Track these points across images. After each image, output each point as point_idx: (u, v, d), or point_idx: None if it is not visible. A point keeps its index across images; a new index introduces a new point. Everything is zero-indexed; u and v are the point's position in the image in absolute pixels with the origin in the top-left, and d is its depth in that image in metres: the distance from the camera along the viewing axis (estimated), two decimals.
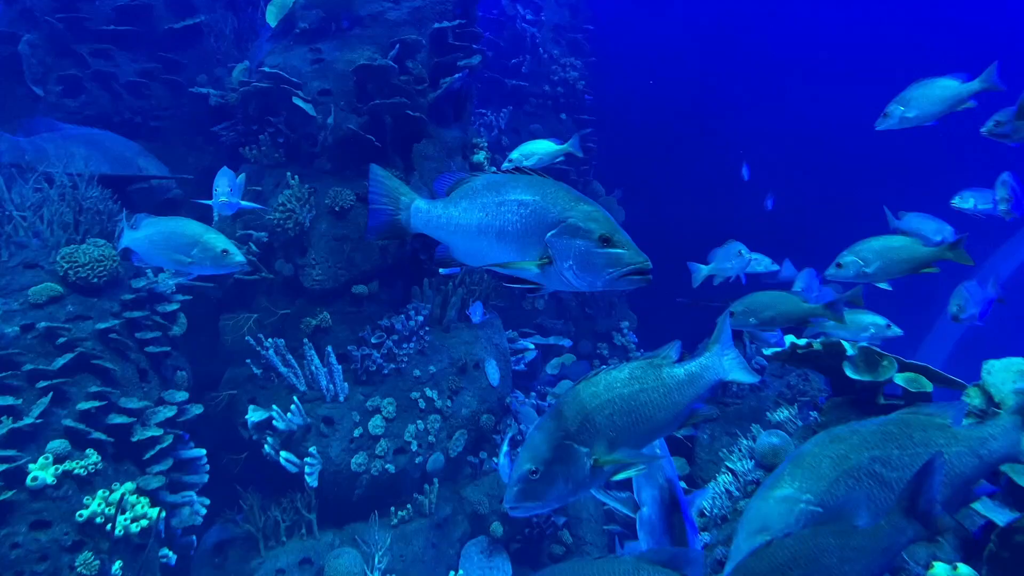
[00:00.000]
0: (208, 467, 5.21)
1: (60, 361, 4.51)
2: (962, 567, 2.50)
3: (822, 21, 12.91)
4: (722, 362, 2.12)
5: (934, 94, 3.82)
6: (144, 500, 4.48)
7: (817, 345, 4.09)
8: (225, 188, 4.48)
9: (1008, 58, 3.69)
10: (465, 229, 2.14)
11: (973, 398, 3.09)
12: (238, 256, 3.59)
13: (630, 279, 1.91)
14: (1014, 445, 1.84)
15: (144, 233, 3.63)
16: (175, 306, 5.36)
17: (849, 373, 3.94)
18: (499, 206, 2.06)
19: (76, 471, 4.25)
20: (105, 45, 6.53)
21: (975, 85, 3.76)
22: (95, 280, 4.89)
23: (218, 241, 3.55)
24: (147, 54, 6.72)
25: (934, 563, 2.53)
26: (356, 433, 5.46)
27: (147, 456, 4.73)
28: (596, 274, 1.94)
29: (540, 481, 1.94)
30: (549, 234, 1.97)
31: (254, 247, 5.75)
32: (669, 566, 1.79)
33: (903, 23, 12.76)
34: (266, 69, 5.87)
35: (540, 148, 4.92)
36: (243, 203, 4.58)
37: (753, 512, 1.77)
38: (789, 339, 4.26)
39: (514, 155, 5.12)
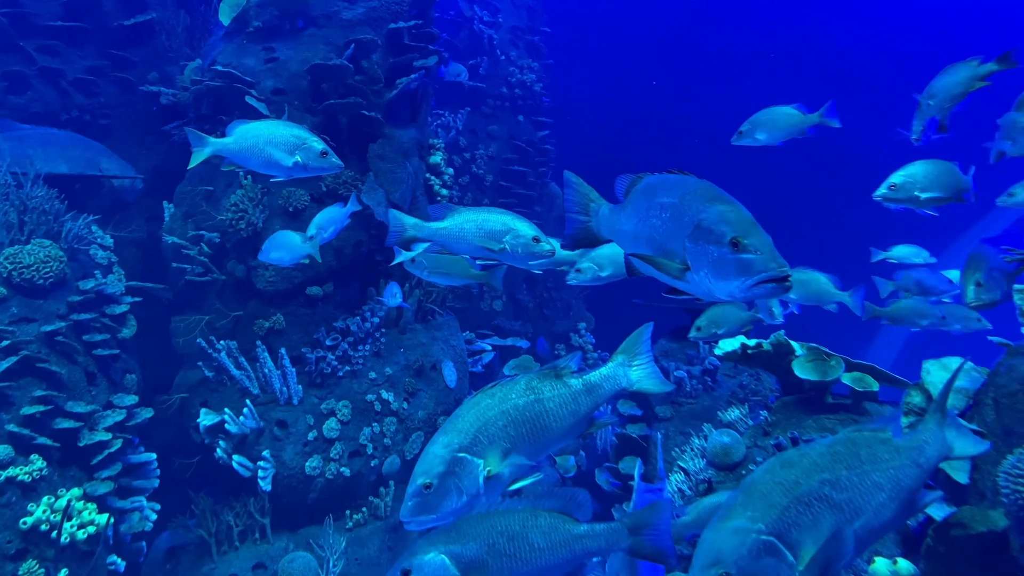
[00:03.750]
0: (159, 471, 5.13)
1: (3, 365, 4.40)
2: (902, 562, 2.56)
3: (779, 21, 13.13)
4: (627, 372, 2.15)
5: (777, 121, 4.17)
6: (91, 506, 4.40)
7: (767, 346, 4.16)
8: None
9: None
10: (627, 236, 2.02)
11: (913, 397, 3.17)
12: (334, 158, 3.50)
13: (765, 287, 1.71)
14: (943, 443, 1.90)
15: (235, 137, 3.50)
16: (124, 308, 5.27)
17: (798, 373, 4.02)
18: (647, 210, 1.93)
19: (20, 477, 4.16)
20: (53, 41, 6.38)
21: (812, 118, 4.11)
22: (40, 281, 4.78)
23: (318, 144, 3.47)
24: (96, 51, 6.59)
25: (875, 558, 2.59)
26: (310, 436, 5.41)
27: (95, 461, 4.65)
28: (730, 283, 1.75)
29: (434, 494, 1.97)
30: (684, 238, 1.82)
31: (206, 248, 5.67)
32: (563, 511, 1.94)
33: (864, 23, 13.04)
34: (219, 68, 5.79)
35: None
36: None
37: (706, 544, 1.78)
38: (740, 340, 4.34)
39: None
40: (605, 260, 3.63)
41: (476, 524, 1.92)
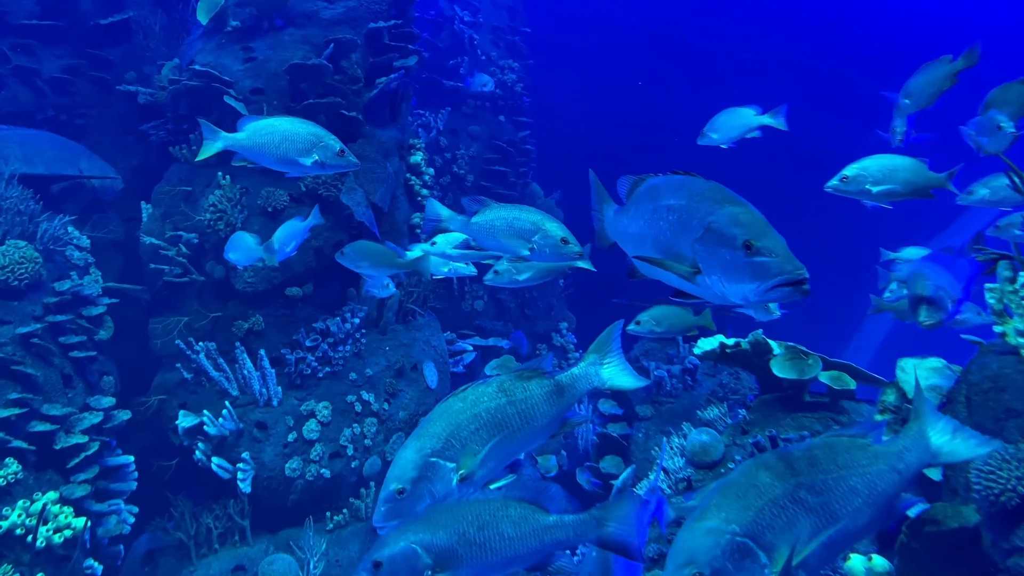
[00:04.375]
0: (136, 474, 5.08)
1: None
2: (877, 559, 2.59)
3: (759, 20, 13.21)
4: (599, 371, 2.17)
5: (733, 122, 4.46)
6: (68, 510, 4.36)
7: (745, 345, 4.19)
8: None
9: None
10: (632, 238, 1.99)
11: (888, 396, 3.20)
12: (351, 156, 3.46)
13: (781, 291, 1.66)
14: (925, 451, 1.91)
15: (248, 132, 3.44)
16: (101, 309, 5.23)
17: (776, 372, 4.04)
18: (653, 212, 1.89)
19: None
20: (27, 40, 6.31)
21: (764, 119, 4.41)
22: (15, 283, 4.73)
23: (335, 143, 3.44)
24: (73, 50, 6.52)
25: (851, 555, 2.61)
26: (290, 438, 5.39)
27: (71, 464, 4.61)
28: (744, 286, 1.71)
29: (407, 499, 1.99)
30: (694, 241, 1.78)
31: (184, 248, 5.63)
32: (534, 502, 1.97)
33: (843, 23, 13.14)
34: (197, 67, 5.75)
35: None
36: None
37: (680, 545, 1.79)
38: (719, 339, 4.36)
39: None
40: (523, 264, 3.68)
41: (447, 514, 1.94)
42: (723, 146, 4.59)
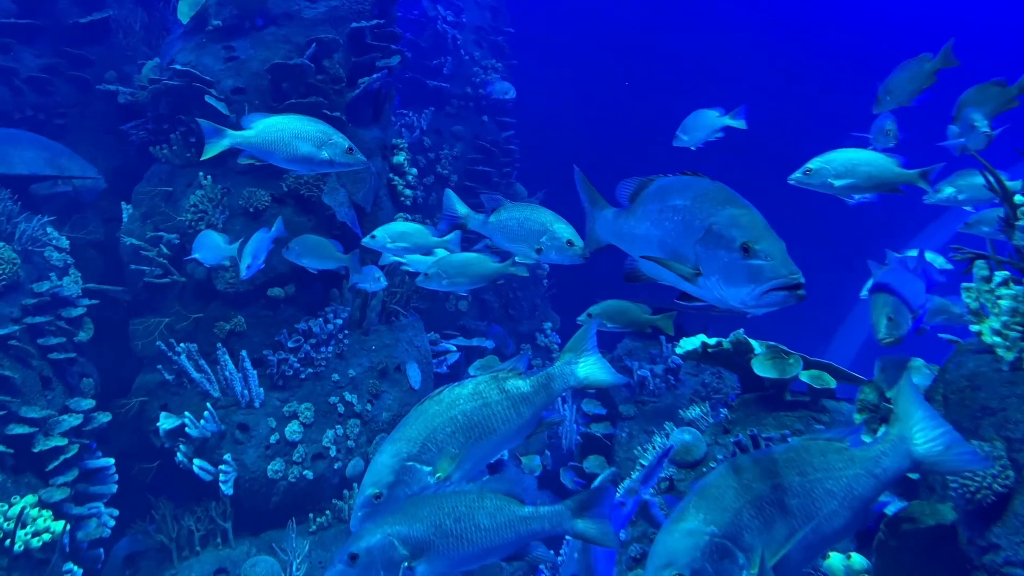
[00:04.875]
0: (117, 477, 5.05)
1: None
2: (855, 556, 2.61)
3: (742, 20, 13.27)
4: (575, 369, 2.18)
5: (699, 122, 4.77)
6: (47, 513, 4.33)
7: (727, 344, 4.20)
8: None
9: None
10: (637, 240, 1.97)
11: (868, 395, 3.22)
12: (359, 154, 3.46)
13: (776, 295, 1.63)
14: (904, 458, 1.92)
15: (257, 130, 3.40)
16: (81, 311, 5.19)
17: (757, 371, 4.06)
18: (660, 213, 1.87)
19: None
20: (5, 39, 6.25)
21: (725, 120, 4.74)
22: None
23: (344, 140, 3.43)
24: (51, 49, 6.46)
25: (830, 553, 2.63)
26: (272, 439, 5.36)
27: (50, 467, 4.57)
28: (741, 290, 1.69)
29: (384, 504, 2.00)
30: (695, 242, 1.76)
31: (165, 249, 5.59)
32: (510, 494, 1.99)
33: (824, 23, 13.21)
34: (177, 67, 5.71)
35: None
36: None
37: (660, 546, 1.80)
38: (700, 338, 4.38)
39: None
40: (455, 269, 3.76)
41: (423, 506, 1.94)
42: (692, 148, 4.78)
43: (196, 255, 4.58)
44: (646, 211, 1.91)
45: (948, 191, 3.89)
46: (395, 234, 4.13)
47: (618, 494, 3.49)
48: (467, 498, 1.96)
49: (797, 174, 3.28)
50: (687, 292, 1.83)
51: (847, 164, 3.17)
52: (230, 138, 3.41)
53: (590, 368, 2.18)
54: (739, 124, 4.75)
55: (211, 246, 4.54)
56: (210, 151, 3.45)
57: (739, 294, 1.69)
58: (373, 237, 4.11)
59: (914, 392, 1.97)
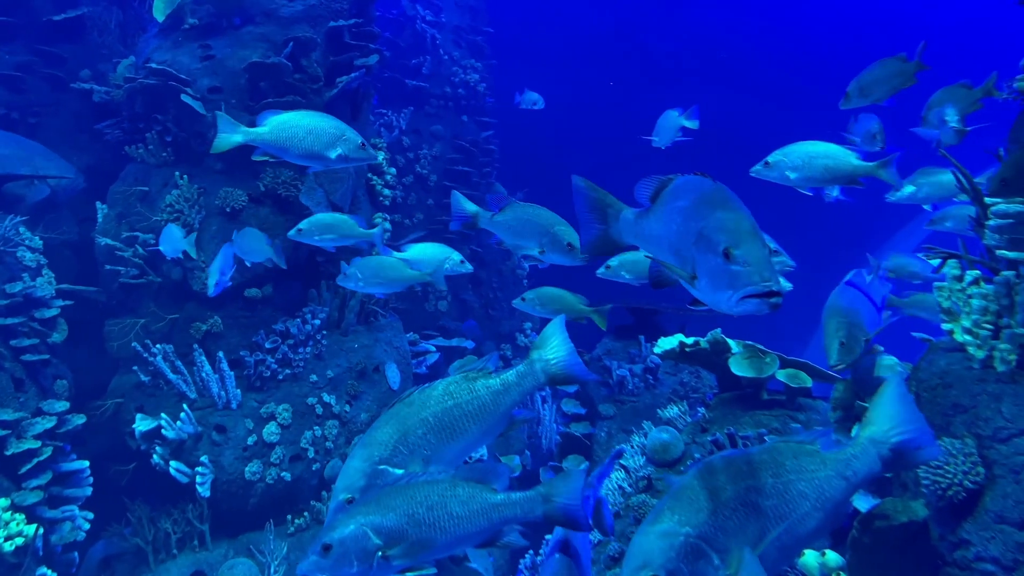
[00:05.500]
0: (92, 479, 5.00)
1: None
2: (830, 553, 2.63)
3: (721, 21, 13.34)
4: (544, 367, 2.18)
5: (664, 124, 5.07)
6: (20, 516, 4.28)
7: (704, 344, 4.23)
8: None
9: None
10: (653, 241, 1.93)
11: (841, 392, 3.25)
12: (371, 149, 3.50)
13: (751, 303, 1.61)
14: (874, 462, 1.95)
15: (271, 127, 3.39)
16: (55, 311, 5.13)
17: (734, 370, 4.09)
18: (669, 214, 1.85)
19: None
20: None
21: (682, 120, 5.02)
22: None
23: (357, 136, 3.44)
24: (25, 46, 6.38)
25: (804, 550, 2.65)
26: (250, 441, 5.32)
27: (23, 470, 4.52)
28: (721, 295, 1.66)
29: None
30: (691, 245, 1.74)
31: (141, 249, 5.54)
32: (482, 481, 2.00)
33: (802, 25, 13.30)
34: (153, 65, 5.66)
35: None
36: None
37: (635, 547, 1.82)
38: (678, 338, 4.40)
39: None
40: (368, 272, 3.98)
41: (396, 496, 1.94)
42: (661, 147, 4.97)
43: (160, 247, 4.76)
44: (661, 212, 1.89)
45: (908, 189, 3.96)
46: (322, 226, 4.17)
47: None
48: (440, 487, 1.96)
49: (757, 167, 3.33)
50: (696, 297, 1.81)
51: (804, 157, 3.21)
52: (243, 135, 3.41)
53: (559, 365, 2.18)
54: (691, 124, 4.93)
55: (171, 239, 4.61)
56: (220, 147, 3.44)
57: (720, 299, 1.68)
58: (300, 231, 4.14)
59: (892, 396, 1.99)
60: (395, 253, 4.25)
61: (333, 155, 3.38)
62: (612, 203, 2.05)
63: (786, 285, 4.17)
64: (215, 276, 4.28)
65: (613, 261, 4.08)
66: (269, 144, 3.40)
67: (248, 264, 4.95)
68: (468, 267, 4.32)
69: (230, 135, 3.43)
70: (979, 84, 3.43)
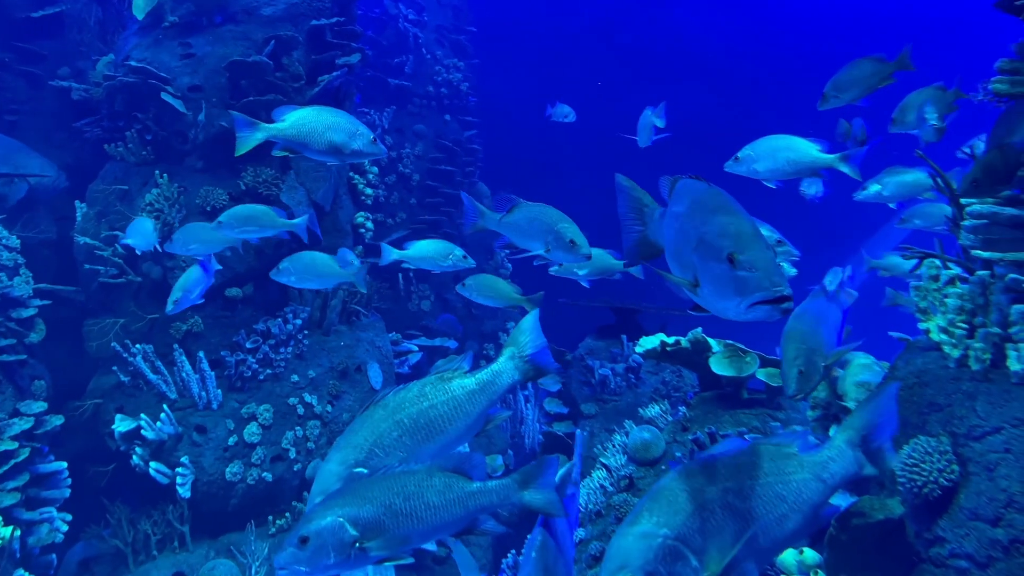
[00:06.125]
0: (70, 481, 4.96)
1: None
2: (808, 551, 2.65)
3: (707, 19, 13.38)
4: (519, 364, 2.19)
5: (643, 123, 5.36)
6: None
7: (685, 343, 4.25)
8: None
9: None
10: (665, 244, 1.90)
11: (819, 391, 3.27)
12: (380, 144, 3.48)
13: (761, 309, 1.58)
14: (851, 464, 1.97)
15: (291, 122, 3.37)
16: (32, 311, 5.08)
17: (715, 369, 4.10)
18: (668, 220, 1.82)
19: None
20: None
21: (654, 119, 5.35)
22: None
23: (368, 131, 3.42)
24: (1, 43, 6.31)
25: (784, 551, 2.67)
26: (231, 441, 5.30)
27: None
28: (729, 302, 1.63)
29: None
30: (691, 252, 1.70)
31: (120, 249, 5.49)
32: (458, 471, 2.01)
33: (787, 24, 13.38)
34: (133, 63, 5.62)
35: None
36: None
37: (614, 549, 1.82)
38: (659, 337, 4.41)
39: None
40: (301, 266, 4.10)
41: (372, 487, 1.94)
42: (641, 146, 5.16)
43: (127, 240, 4.74)
44: (668, 214, 1.86)
45: (874, 188, 4.01)
46: (241, 218, 4.15)
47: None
48: (416, 477, 1.96)
49: (729, 161, 3.36)
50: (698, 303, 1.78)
51: (769, 150, 3.25)
52: (264, 131, 3.39)
53: (533, 361, 2.19)
54: (658, 122, 5.17)
55: (142, 232, 4.65)
56: (244, 146, 3.41)
57: (727, 306, 1.65)
58: (220, 223, 4.12)
59: (874, 404, 2.02)
60: (395, 251, 4.27)
61: (349, 149, 3.40)
62: (648, 203, 1.97)
63: (790, 271, 4.20)
64: (177, 293, 4.20)
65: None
66: (291, 140, 3.39)
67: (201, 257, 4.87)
68: (471, 262, 4.33)
69: (252, 133, 3.41)
70: (951, 86, 3.48)
